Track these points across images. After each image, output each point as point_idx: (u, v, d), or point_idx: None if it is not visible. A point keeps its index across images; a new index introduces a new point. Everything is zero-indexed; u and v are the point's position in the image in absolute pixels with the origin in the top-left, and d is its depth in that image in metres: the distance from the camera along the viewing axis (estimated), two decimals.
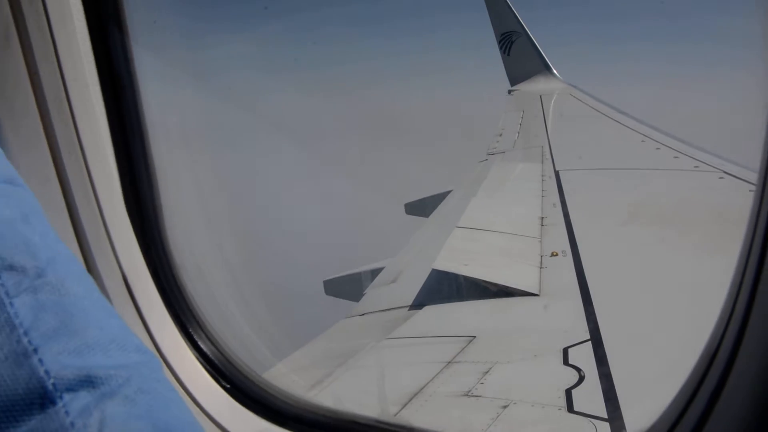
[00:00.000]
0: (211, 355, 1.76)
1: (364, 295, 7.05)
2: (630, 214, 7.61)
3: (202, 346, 1.76)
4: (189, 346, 1.73)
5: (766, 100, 1.13)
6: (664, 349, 4.15)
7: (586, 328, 4.56)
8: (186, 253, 1.81)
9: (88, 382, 0.81)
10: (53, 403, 0.77)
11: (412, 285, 6.39)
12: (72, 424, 0.77)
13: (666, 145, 11.39)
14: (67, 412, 0.77)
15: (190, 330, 1.75)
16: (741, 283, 1.10)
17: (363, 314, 6.30)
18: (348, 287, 8.58)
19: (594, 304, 5.01)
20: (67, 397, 0.78)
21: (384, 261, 8.40)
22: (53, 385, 0.78)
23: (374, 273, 7.97)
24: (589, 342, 4.34)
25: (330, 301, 9.26)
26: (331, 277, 9.52)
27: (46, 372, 0.79)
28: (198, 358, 1.74)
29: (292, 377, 4.00)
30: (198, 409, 1.66)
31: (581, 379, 3.85)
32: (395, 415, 3.60)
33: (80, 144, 1.41)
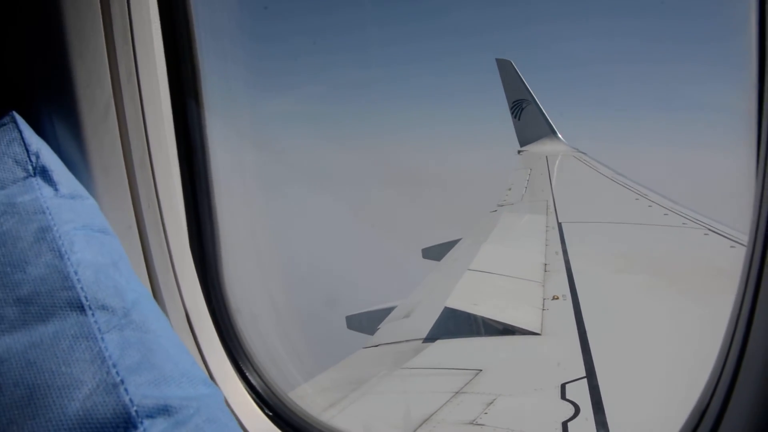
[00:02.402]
0: (257, 386, 1.79)
1: (379, 329, 7.01)
2: (623, 264, 7.53)
3: (251, 377, 1.79)
4: (239, 378, 1.76)
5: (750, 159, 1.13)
6: (652, 386, 4.07)
7: (583, 366, 4.50)
8: (241, 298, 1.87)
9: (164, 410, 0.84)
10: (135, 428, 0.81)
11: (425, 321, 6.34)
12: None
13: (657, 203, 11.34)
14: None
15: (240, 363, 1.78)
16: (734, 333, 1.09)
17: (378, 345, 6.25)
18: (367, 322, 8.51)
19: (590, 344, 4.94)
20: (147, 422, 0.82)
21: (398, 301, 8.37)
22: (136, 412, 0.82)
23: (390, 311, 7.92)
24: (585, 379, 4.28)
25: (352, 334, 9.19)
26: (352, 314, 9.47)
27: (131, 400, 0.82)
28: (246, 388, 1.77)
29: (314, 398, 3.99)
30: None
31: (577, 412, 3.78)
32: None
33: (158, 201, 1.47)
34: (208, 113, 1.66)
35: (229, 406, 1.67)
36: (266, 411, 1.78)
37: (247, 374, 1.79)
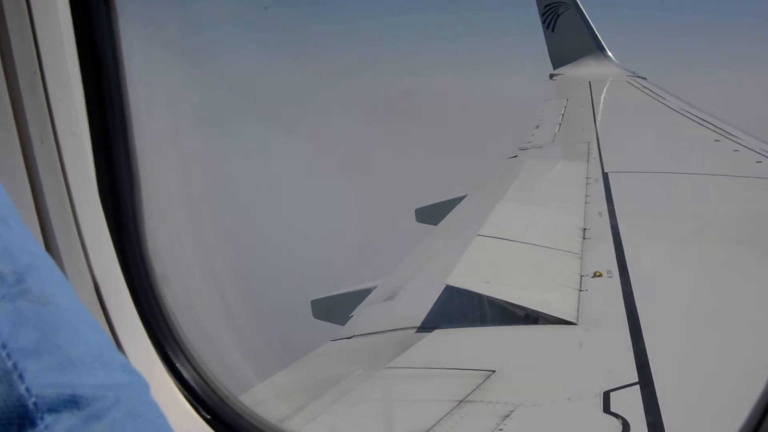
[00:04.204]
0: (190, 380, 1.85)
1: (352, 316, 7.04)
2: (697, 230, 7.61)
3: (181, 368, 1.84)
4: (166, 368, 1.82)
5: None
6: (730, 398, 4.11)
7: (635, 368, 4.55)
8: (168, 262, 1.92)
9: (72, 402, 0.87)
10: (33, 424, 0.84)
11: (417, 304, 6.39)
12: None
13: (747, 147, 11.46)
14: None
15: (168, 350, 1.83)
16: None
17: (351, 337, 6.32)
18: (339, 309, 8.61)
19: (645, 338, 4.99)
20: (49, 418, 0.84)
21: (379, 280, 8.42)
22: (34, 404, 0.84)
23: (369, 293, 7.98)
24: (638, 386, 4.32)
25: (319, 325, 9.32)
26: (319, 297, 9.57)
27: (27, 390, 0.85)
28: (176, 382, 1.82)
29: (266, 404, 4.02)
30: None
31: (625, 430, 3.81)
32: None
33: (55, 134, 1.49)
34: (121, 16, 1.66)
35: None
36: (202, 412, 1.82)
37: (176, 364, 1.83)
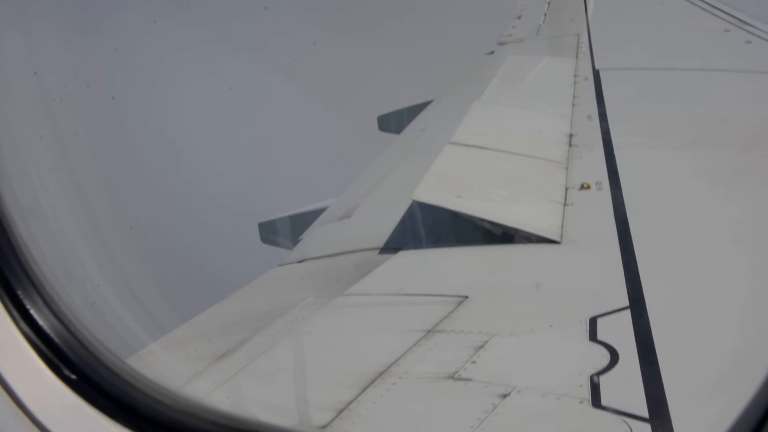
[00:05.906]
0: (47, 328, 1.68)
1: (301, 239, 7.02)
2: (699, 134, 7.63)
3: (36, 313, 1.68)
4: (10, 313, 1.66)
5: None
6: (730, 324, 4.16)
7: (625, 292, 4.61)
8: (8, 156, 1.80)
9: None
10: None
11: (378, 222, 6.42)
12: None
13: (761, 37, 11.43)
14: None
15: (17, 287, 1.68)
16: None
17: (301, 261, 6.33)
18: (290, 232, 8.57)
19: (638, 258, 5.05)
20: None
21: (332, 199, 8.39)
22: None
23: (321, 213, 7.94)
24: (628, 310, 4.38)
25: (269, 251, 9.32)
26: (268, 219, 9.52)
27: None
28: (24, 331, 1.67)
29: (192, 349, 3.95)
30: (21, 413, 1.58)
31: (614, 361, 3.86)
32: (349, 403, 3.58)
33: None
34: None
35: None
36: (64, 372, 1.68)
37: (28, 307, 1.68)
